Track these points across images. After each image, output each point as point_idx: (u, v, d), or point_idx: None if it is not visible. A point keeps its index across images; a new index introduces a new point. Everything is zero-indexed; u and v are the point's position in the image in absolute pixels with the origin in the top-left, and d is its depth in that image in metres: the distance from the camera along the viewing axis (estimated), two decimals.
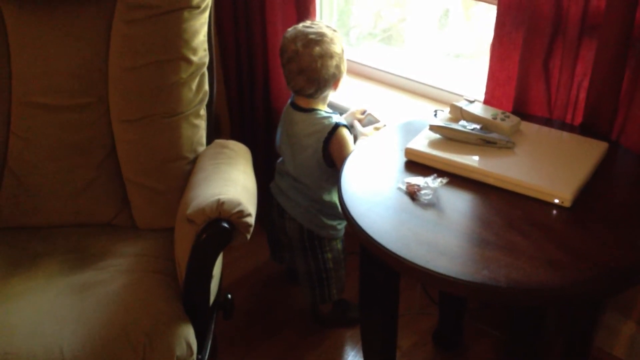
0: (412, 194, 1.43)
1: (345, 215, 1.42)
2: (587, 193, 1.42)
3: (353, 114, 2.04)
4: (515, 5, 1.66)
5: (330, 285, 2.00)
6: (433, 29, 2.32)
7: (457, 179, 1.48)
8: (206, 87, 1.83)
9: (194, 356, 1.47)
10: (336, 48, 1.82)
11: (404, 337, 2.04)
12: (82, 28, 1.75)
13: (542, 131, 1.64)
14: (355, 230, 1.37)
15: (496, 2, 1.70)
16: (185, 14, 1.73)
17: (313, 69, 1.79)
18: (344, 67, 1.87)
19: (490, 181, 1.46)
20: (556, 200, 1.39)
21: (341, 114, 2.00)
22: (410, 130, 1.68)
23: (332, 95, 1.93)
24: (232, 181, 1.61)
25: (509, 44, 1.72)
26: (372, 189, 1.48)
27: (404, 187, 1.45)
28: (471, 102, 1.67)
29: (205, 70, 1.82)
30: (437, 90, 2.16)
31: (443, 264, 1.24)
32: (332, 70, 1.81)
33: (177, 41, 1.73)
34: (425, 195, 1.42)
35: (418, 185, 1.44)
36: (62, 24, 1.75)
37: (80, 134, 1.77)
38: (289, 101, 1.93)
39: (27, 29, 1.74)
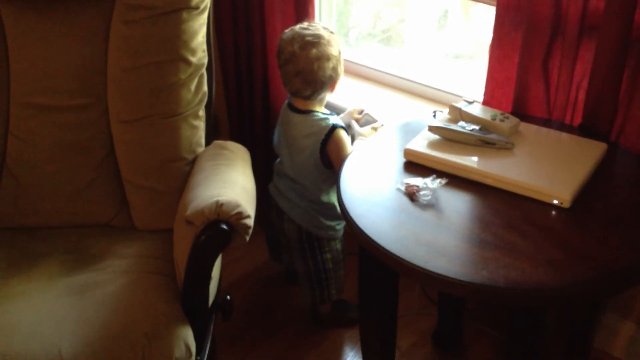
0: (411, 194, 1.43)
1: (345, 215, 1.42)
2: (586, 193, 1.42)
3: (350, 113, 2.04)
4: (514, 6, 1.66)
5: (330, 285, 2.00)
6: (432, 29, 2.32)
7: (456, 180, 1.48)
8: (205, 88, 1.83)
9: (193, 357, 1.47)
10: (333, 50, 1.82)
11: (403, 337, 2.04)
12: (80, 28, 1.75)
13: (541, 132, 1.64)
14: (354, 231, 1.37)
15: (495, 2, 1.70)
16: (184, 14, 1.73)
17: (310, 71, 1.79)
18: (341, 69, 1.87)
19: (490, 182, 1.46)
20: (555, 201, 1.39)
21: (338, 114, 2.00)
22: (409, 131, 1.68)
23: (331, 96, 1.93)
24: (231, 182, 1.61)
25: (508, 45, 1.72)
26: (371, 189, 1.48)
27: (403, 188, 1.45)
28: (470, 102, 1.67)
29: (204, 71, 1.82)
30: (436, 91, 2.16)
31: (442, 264, 1.24)
32: (329, 72, 1.81)
33: (176, 42, 1.73)
34: (424, 196, 1.42)
35: (417, 186, 1.44)
36: (60, 25, 1.75)
37: (79, 135, 1.77)
38: (286, 102, 1.93)
39: (26, 29, 1.74)
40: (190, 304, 1.52)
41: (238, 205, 1.47)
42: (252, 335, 2.08)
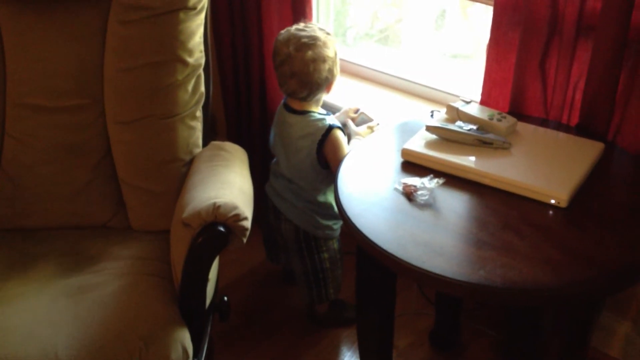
0: (409, 194, 1.43)
1: (342, 215, 1.42)
2: (584, 193, 1.43)
3: (346, 112, 2.04)
4: (512, 6, 1.66)
5: (327, 285, 2.00)
6: (430, 29, 2.32)
7: (454, 180, 1.48)
8: (202, 88, 1.83)
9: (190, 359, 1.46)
10: (329, 52, 1.82)
11: (401, 337, 2.04)
12: (77, 29, 1.74)
13: (539, 132, 1.64)
14: (351, 231, 1.37)
15: (492, 2, 1.70)
16: (181, 15, 1.73)
17: (305, 73, 1.79)
18: (337, 70, 1.87)
19: (487, 182, 1.46)
20: (552, 201, 1.39)
21: (334, 113, 2.00)
22: (406, 130, 1.69)
23: (328, 96, 1.93)
24: (228, 184, 1.60)
25: (505, 45, 1.72)
26: (369, 189, 1.48)
27: (400, 188, 1.45)
28: (467, 102, 1.67)
29: (201, 71, 1.81)
30: (434, 90, 2.16)
31: (439, 264, 1.24)
32: (324, 74, 1.81)
33: (173, 42, 1.73)
34: (421, 195, 1.42)
35: (414, 186, 1.44)
36: (57, 25, 1.74)
37: (76, 136, 1.76)
38: (282, 102, 1.93)
39: (22, 30, 1.73)
40: (187, 306, 1.51)
41: (235, 207, 1.47)
42: (250, 335, 2.08)
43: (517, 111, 1.75)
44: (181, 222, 1.49)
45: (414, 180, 1.46)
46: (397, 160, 1.57)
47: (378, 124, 1.96)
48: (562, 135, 1.63)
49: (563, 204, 1.38)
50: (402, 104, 2.18)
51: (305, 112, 1.87)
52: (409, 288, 2.18)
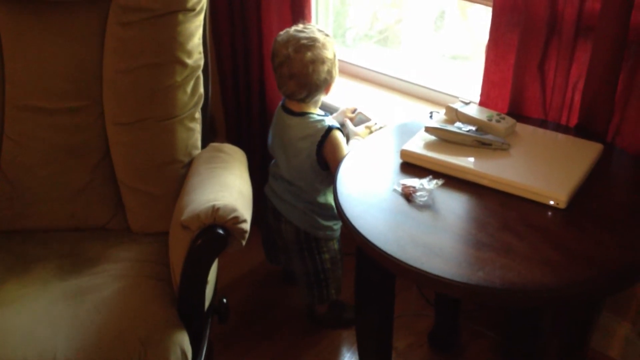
0: (408, 195, 1.43)
1: (341, 216, 1.41)
2: (583, 194, 1.42)
3: (343, 112, 2.05)
4: (511, 7, 1.66)
5: (329, 285, 2.00)
6: (429, 30, 2.32)
7: (453, 181, 1.48)
8: (201, 90, 1.83)
9: None
10: (328, 53, 1.82)
11: (400, 338, 2.04)
12: (76, 30, 1.74)
13: (538, 133, 1.64)
14: (350, 232, 1.37)
15: (492, 3, 1.70)
16: (180, 16, 1.73)
17: (304, 74, 1.79)
18: (336, 71, 1.87)
19: (486, 183, 1.46)
20: (551, 202, 1.39)
21: (331, 113, 2.00)
22: (405, 131, 1.68)
23: (327, 97, 1.93)
24: (227, 186, 1.60)
25: (504, 46, 1.72)
26: (368, 190, 1.48)
27: (399, 189, 1.45)
28: (466, 103, 1.67)
29: (200, 73, 1.81)
30: (433, 91, 2.16)
31: (438, 265, 1.24)
32: (323, 75, 1.81)
33: (172, 44, 1.73)
34: (420, 196, 1.42)
35: (413, 187, 1.44)
36: (56, 27, 1.74)
37: (75, 137, 1.76)
38: (280, 104, 1.93)
39: (21, 31, 1.73)
40: (186, 309, 1.51)
41: (234, 210, 1.47)
42: (249, 336, 2.08)
43: (516, 112, 1.75)
44: (180, 224, 1.48)
45: (413, 182, 1.45)
46: (396, 161, 1.57)
47: (376, 124, 1.96)
48: (561, 136, 1.63)
49: (562, 205, 1.38)
50: (401, 105, 2.18)
51: (304, 114, 1.87)
52: (408, 289, 2.18)
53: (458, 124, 1.60)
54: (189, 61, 1.76)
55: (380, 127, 1.96)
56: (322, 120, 1.85)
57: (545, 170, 1.47)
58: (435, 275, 1.22)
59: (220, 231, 1.45)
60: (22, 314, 1.46)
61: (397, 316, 1.99)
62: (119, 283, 1.55)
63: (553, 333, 1.57)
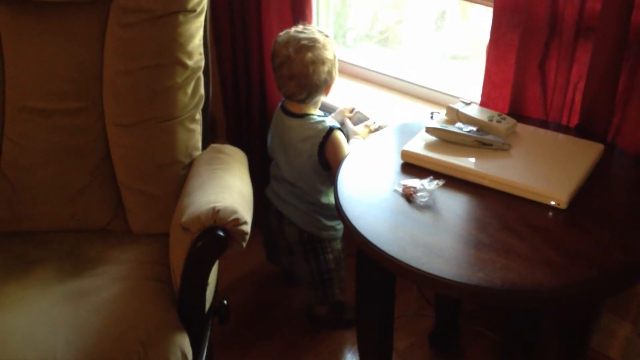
0: (408, 196, 1.43)
1: (342, 217, 1.41)
2: (583, 194, 1.42)
3: (342, 112, 2.05)
4: (511, 7, 1.66)
5: (333, 285, 2.00)
6: (430, 30, 2.32)
7: (453, 181, 1.48)
8: (202, 91, 1.82)
9: None
10: (328, 54, 1.82)
11: (401, 338, 2.04)
12: (76, 32, 1.74)
13: (538, 133, 1.64)
14: (351, 233, 1.37)
15: (492, 4, 1.70)
16: (181, 17, 1.72)
17: (304, 75, 1.79)
18: (336, 72, 1.87)
19: (486, 183, 1.46)
20: (552, 202, 1.39)
21: (330, 113, 2.00)
22: (406, 132, 1.68)
23: (327, 97, 1.93)
24: (227, 187, 1.60)
25: (505, 46, 1.72)
26: (369, 191, 1.48)
27: (400, 189, 1.45)
28: (467, 104, 1.67)
29: (200, 74, 1.81)
30: (434, 92, 2.16)
31: (439, 266, 1.24)
32: (323, 76, 1.81)
33: (172, 45, 1.73)
34: (421, 197, 1.42)
35: (414, 188, 1.44)
36: (56, 28, 1.74)
37: (75, 138, 1.76)
38: (280, 105, 1.93)
39: (21, 32, 1.73)
40: (187, 310, 1.51)
41: (235, 212, 1.46)
42: (250, 337, 2.08)
43: (517, 112, 1.75)
44: (180, 226, 1.48)
45: (414, 182, 1.45)
46: (397, 161, 1.57)
47: (374, 122, 1.97)
48: (561, 136, 1.63)
49: (563, 205, 1.38)
50: (401, 105, 2.18)
51: (305, 115, 1.87)
52: (408, 289, 2.18)
53: (459, 124, 1.60)
54: (190, 62, 1.76)
55: (379, 126, 1.97)
56: (323, 121, 1.85)
57: (546, 170, 1.47)
58: (435, 276, 1.22)
59: (221, 233, 1.45)
60: (23, 316, 1.46)
61: (398, 316, 1.99)
62: (119, 284, 1.54)
63: (553, 333, 1.57)
